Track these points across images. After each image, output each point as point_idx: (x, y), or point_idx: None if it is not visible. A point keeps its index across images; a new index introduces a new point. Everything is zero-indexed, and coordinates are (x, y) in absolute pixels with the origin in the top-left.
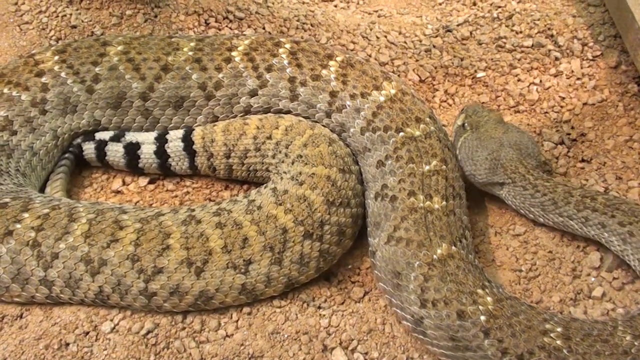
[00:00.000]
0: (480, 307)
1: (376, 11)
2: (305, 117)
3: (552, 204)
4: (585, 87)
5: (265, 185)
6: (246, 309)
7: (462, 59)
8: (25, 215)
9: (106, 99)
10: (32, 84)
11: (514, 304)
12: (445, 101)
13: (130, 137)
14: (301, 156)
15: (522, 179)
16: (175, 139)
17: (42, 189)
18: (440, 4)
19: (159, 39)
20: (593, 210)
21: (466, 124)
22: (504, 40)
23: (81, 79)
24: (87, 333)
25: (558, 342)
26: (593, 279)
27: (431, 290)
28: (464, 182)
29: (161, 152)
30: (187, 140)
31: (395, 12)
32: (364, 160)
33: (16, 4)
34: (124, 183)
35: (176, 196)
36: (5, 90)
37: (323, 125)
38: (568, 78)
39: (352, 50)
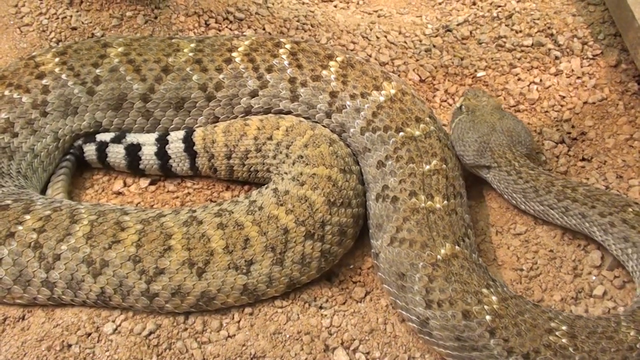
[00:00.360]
0: (486, 307)
1: (376, 11)
2: (305, 118)
3: (534, 192)
4: (586, 86)
5: (266, 186)
6: (248, 310)
7: (462, 59)
8: (27, 217)
9: (107, 100)
10: (32, 86)
11: (519, 303)
12: (445, 101)
13: (131, 138)
14: (302, 157)
15: (507, 164)
16: (176, 140)
17: (43, 191)
18: (440, 4)
19: (160, 40)
20: (573, 200)
21: (463, 107)
22: (504, 39)
23: (82, 81)
24: (89, 334)
25: (564, 340)
26: (594, 277)
27: (436, 291)
28: (463, 180)
29: (162, 153)
30: (188, 141)
31: (395, 12)
32: (364, 160)
33: (16, 6)
34: (125, 184)
35: (177, 197)
36: (6, 93)
37: (323, 126)
38: (568, 77)
39: (352, 50)
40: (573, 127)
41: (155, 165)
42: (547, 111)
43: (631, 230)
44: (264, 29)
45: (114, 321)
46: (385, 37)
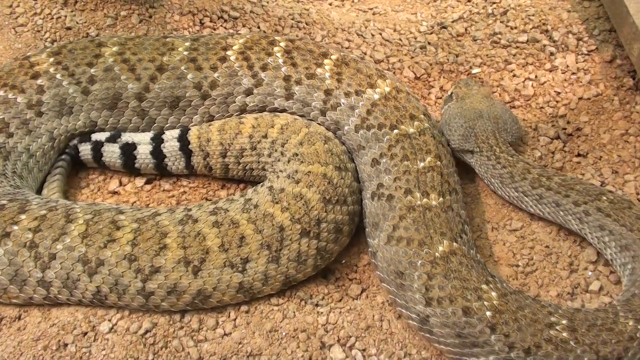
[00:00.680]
0: (486, 303)
1: (371, 9)
2: (300, 116)
3: (510, 178)
4: (581, 82)
5: (261, 184)
6: (244, 307)
7: (457, 56)
8: (23, 216)
9: (102, 100)
10: (27, 86)
11: (518, 298)
12: (440, 98)
13: (127, 137)
14: (297, 154)
15: (488, 149)
16: (171, 138)
17: (39, 191)
18: (434, 1)
19: (154, 39)
20: (547, 188)
21: (454, 94)
22: (499, 36)
23: (77, 81)
24: (86, 333)
25: (564, 334)
26: (590, 273)
27: (435, 289)
28: (458, 177)
29: (157, 152)
30: (183, 140)
31: (390, 9)
32: (359, 158)
33: (11, 6)
34: (120, 184)
35: (173, 196)
36: (1, 93)
37: (318, 124)
38: (563, 73)
39: (347, 48)
40: (568, 122)
41: (151, 164)
42: (542, 107)
43: (606, 218)
44: (258, 28)
45: (110, 320)
46: (380, 34)
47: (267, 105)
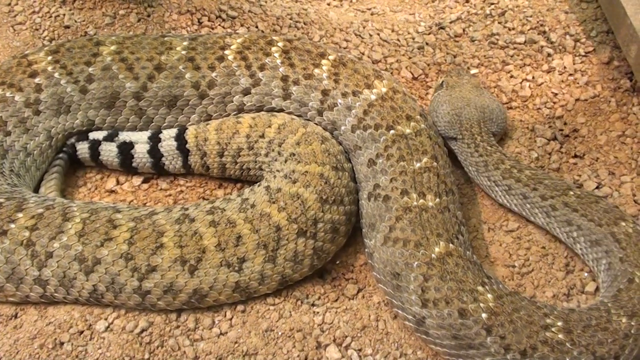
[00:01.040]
0: (482, 305)
1: (369, 9)
2: (297, 116)
3: (484, 166)
4: (578, 83)
5: (258, 183)
6: (240, 307)
7: (455, 56)
8: (20, 215)
9: (100, 99)
10: (25, 84)
11: (514, 300)
12: None
13: (124, 136)
14: (294, 154)
15: (470, 137)
16: (168, 138)
17: (36, 189)
18: (433, 2)
19: (152, 39)
20: (517, 180)
21: (444, 82)
22: (496, 37)
23: (75, 79)
24: (82, 332)
25: (560, 336)
26: (586, 274)
27: (432, 290)
28: (455, 178)
29: (155, 151)
30: (181, 139)
31: (389, 9)
32: (355, 158)
33: (9, 4)
34: (118, 182)
35: (170, 195)
36: None
37: (315, 124)
38: (560, 74)
39: (345, 48)
40: (565, 124)
41: (148, 164)
42: (539, 108)
43: (574, 213)
44: (256, 27)
45: (106, 319)
46: (378, 34)
47: (264, 105)
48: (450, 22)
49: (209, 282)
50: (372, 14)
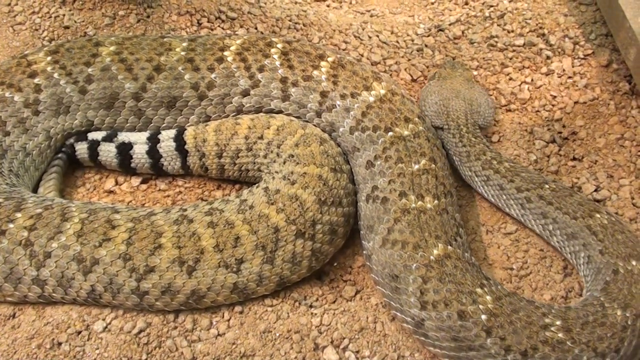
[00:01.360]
0: (481, 307)
1: (368, 11)
2: (296, 117)
3: (466, 157)
4: (577, 86)
5: (257, 185)
6: (238, 308)
7: (453, 58)
8: (18, 215)
9: (99, 99)
10: (25, 84)
11: (512, 301)
12: None
13: (123, 137)
14: (293, 156)
15: (455, 127)
16: (167, 138)
17: (35, 189)
18: (432, 4)
19: (152, 39)
20: (495, 171)
21: (436, 74)
22: (495, 39)
23: (74, 80)
24: (80, 332)
25: (560, 335)
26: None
27: (430, 292)
28: (453, 180)
29: (153, 152)
30: (179, 140)
31: (388, 11)
32: (354, 160)
33: (9, 4)
34: (116, 183)
35: (168, 196)
36: None
37: (314, 125)
38: (559, 77)
39: (344, 50)
40: (564, 126)
41: (147, 164)
42: (538, 111)
43: (549, 206)
44: (256, 29)
45: (104, 319)
46: (378, 36)
47: (263, 107)
48: (450, 25)
49: (207, 283)
50: (371, 16)
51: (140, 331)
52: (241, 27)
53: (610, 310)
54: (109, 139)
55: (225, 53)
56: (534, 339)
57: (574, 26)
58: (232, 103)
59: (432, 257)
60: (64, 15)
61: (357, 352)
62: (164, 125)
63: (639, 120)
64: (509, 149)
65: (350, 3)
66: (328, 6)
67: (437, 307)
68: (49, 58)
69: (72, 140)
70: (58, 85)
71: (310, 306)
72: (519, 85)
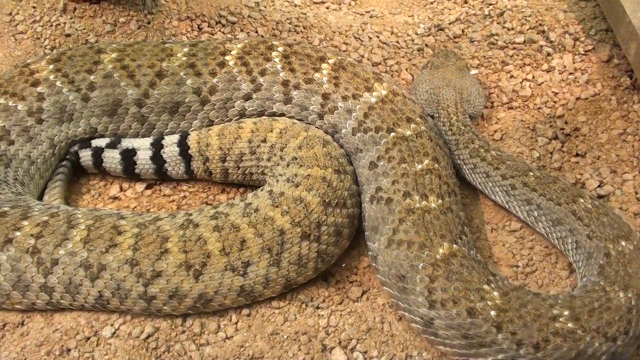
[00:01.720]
0: (489, 303)
1: (368, 12)
2: (298, 120)
3: (455, 145)
4: (578, 82)
5: (261, 188)
6: (245, 311)
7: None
8: (25, 223)
9: (102, 106)
10: (28, 93)
11: (520, 295)
12: None
13: (127, 143)
14: (296, 158)
15: (445, 116)
16: (170, 144)
17: (40, 197)
18: (431, 3)
19: (153, 45)
20: (482, 159)
21: (429, 63)
22: (495, 37)
23: (76, 88)
24: (88, 338)
25: (570, 324)
26: None
27: (438, 291)
28: (456, 179)
29: (157, 158)
30: (183, 145)
31: (387, 12)
32: (357, 161)
33: (10, 14)
34: (121, 189)
35: (173, 201)
36: (2, 101)
37: (316, 127)
38: (560, 73)
39: (344, 51)
40: (566, 123)
41: (151, 170)
42: (540, 108)
43: (533, 192)
44: (256, 32)
45: (112, 325)
46: (378, 37)
47: (265, 110)
48: (449, 24)
49: (214, 287)
50: (370, 17)
51: (149, 336)
52: (241, 31)
53: (613, 293)
54: (112, 145)
55: (227, 57)
56: (545, 331)
57: (574, 22)
58: (234, 107)
59: (438, 256)
60: (65, 23)
61: (365, 352)
62: (167, 130)
63: None
64: (511, 147)
65: (349, 4)
66: (327, 8)
67: (446, 306)
68: (51, 66)
69: (76, 148)
70: (61, 93)
71: (317, 307)
72: (520, 83)
